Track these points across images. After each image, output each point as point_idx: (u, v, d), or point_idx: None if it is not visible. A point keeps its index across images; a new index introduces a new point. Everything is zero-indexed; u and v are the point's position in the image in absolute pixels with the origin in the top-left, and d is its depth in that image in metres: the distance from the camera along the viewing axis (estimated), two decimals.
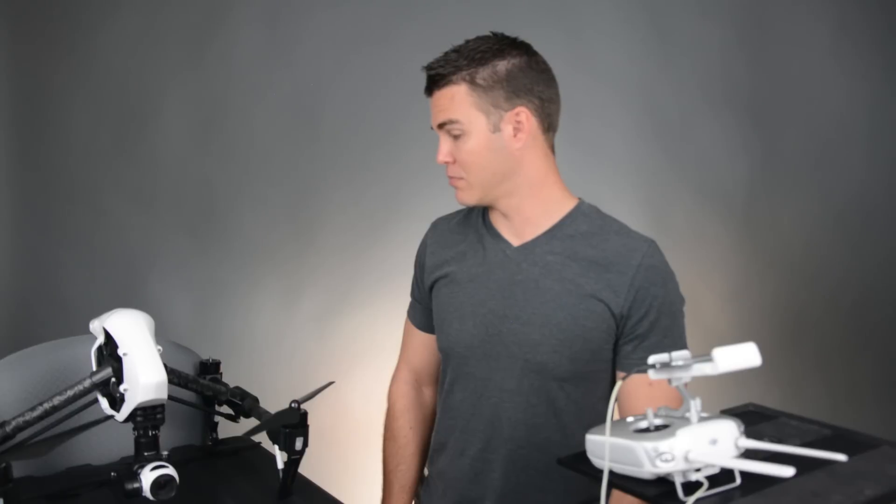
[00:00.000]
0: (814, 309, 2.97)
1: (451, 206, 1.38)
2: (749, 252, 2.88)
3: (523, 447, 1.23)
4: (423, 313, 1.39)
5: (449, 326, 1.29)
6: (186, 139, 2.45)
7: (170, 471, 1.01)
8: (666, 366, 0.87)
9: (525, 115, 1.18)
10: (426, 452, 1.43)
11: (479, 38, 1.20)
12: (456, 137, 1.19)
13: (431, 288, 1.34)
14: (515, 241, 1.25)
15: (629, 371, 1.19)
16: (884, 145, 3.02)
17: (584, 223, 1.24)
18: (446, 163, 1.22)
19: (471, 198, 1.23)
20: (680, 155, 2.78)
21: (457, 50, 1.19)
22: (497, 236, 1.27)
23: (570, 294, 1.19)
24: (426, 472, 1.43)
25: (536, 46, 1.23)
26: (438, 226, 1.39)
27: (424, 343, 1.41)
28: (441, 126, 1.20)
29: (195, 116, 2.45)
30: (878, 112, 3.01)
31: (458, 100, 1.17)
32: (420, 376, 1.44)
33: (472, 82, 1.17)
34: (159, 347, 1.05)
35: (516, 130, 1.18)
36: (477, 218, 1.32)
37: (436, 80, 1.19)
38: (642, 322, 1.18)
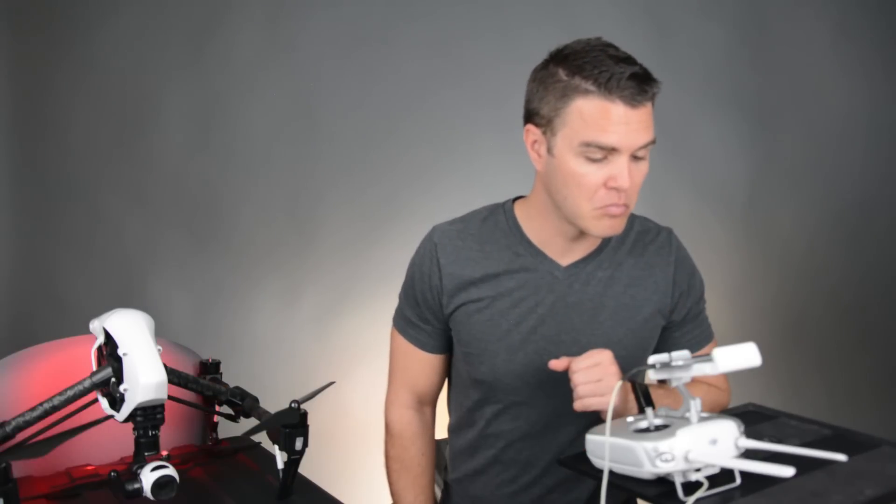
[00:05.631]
0: (814, 309, 2.97)
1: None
2: (749, 252, 2.88)
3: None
4: (434, 336, 1.28)
5: (494, 357, 1.20)
6: (186, 139, 2.45)
7: (170, 471, 1.01)
8: (666, 366, 0.87)
9: None
10: (434, 475, 1.39)
11: (612, 45, 1.08)
12: (637, 160, 1.08)
13: (453, 312, 1.23)
14: (564, 261, 1.19)
15: (687, 348, 1.18)
16: (884, 145, 3.02)
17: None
18: (623, 189, 1.05)
19: (623, 225, 1.10)
20: (680, 154, 2.78)
21: (632, 60, 1.06)
22: (540, 255, 1.19)
23: (627, 308, 1.19)
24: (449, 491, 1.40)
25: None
26: (446, 241, 1.22)
27: (432, 364, 1.31)
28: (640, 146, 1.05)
29: (194, 116, 2.45)
30: (878, 112, 3.00)
31: (651, 118, 1.06)
32: (423, 397, 1.35)
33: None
34: (159, 347, 1.05)
35: None
36: (505, 234, 1.21)
37: (646, 90, 1.04)
38: (687, 305, 1.25)
